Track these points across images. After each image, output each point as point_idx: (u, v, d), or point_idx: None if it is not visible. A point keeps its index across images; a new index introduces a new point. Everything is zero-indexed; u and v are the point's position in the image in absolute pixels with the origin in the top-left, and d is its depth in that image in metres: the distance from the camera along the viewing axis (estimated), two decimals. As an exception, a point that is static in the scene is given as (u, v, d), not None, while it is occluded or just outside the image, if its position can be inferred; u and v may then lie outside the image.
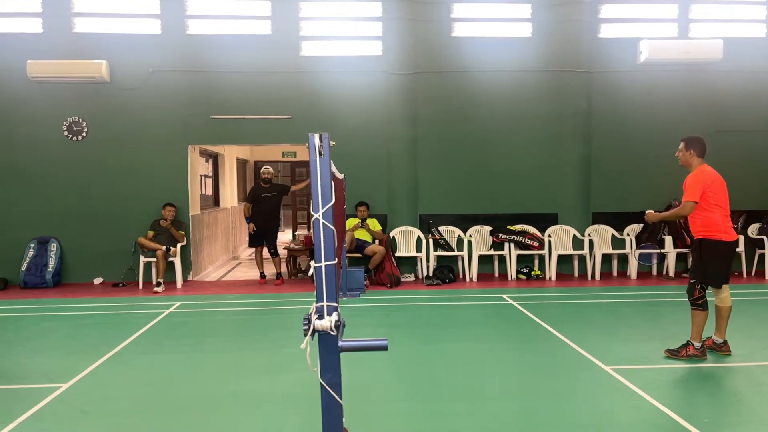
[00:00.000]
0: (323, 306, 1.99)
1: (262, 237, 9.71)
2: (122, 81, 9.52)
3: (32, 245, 9.35)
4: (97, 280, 9.60)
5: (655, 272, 9.96)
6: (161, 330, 6.61)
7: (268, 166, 10.04)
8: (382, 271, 9.20)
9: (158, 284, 8.93)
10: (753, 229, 10.02)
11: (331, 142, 2.17)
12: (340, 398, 2.05)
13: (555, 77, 9.98)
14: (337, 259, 1.99)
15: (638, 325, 6.77)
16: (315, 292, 2.18)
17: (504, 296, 8.29)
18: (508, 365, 5.29)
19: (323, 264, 1.97)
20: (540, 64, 9.96)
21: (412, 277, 9.75)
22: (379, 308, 7.73)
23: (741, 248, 9.50)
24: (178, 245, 9.35)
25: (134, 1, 9.67)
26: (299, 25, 9.85)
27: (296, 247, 10.47)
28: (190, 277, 9.84)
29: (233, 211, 13.10)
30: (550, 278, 9.62)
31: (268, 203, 9.68)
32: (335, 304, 2.01)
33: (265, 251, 9.75)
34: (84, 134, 9.54)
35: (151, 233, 9.26)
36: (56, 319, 6.18)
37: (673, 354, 5.17)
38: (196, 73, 9.66)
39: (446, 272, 9.46)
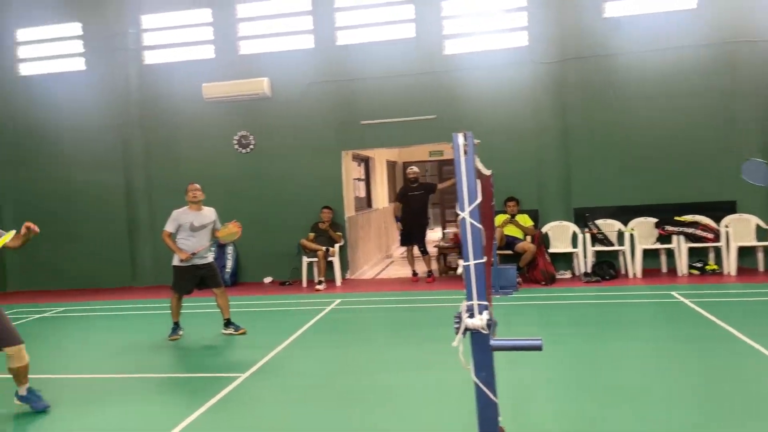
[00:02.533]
0: (473, 304, 2.00)
1: (411, 236, 9.93)
2: (282, 95, 10.31)
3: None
4: (267, 279, 10.50)
5: None
6: (324, 325, 7.06)
7: (413, 167, 10.25)
8: (535, 268, 8.93)
9: (320, 282, 9.53)
10: None
11: (475, 141, 2.18)
12: (495, 396, 2.04)
13: (726, 50, 8.95)
14: (486, 257, 1.98)
15: None
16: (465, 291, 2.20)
17: (673, 293, 7.61)
18: (680, 367, 4.86)
19: (472, 262, 1.99)
20: (706, 36, 9.00)
21: (568, 274, 9.34)
22: (534, 306, 7.52)
23: None
24: (336, 246, 9.90)
25: (291, 20, 10.43)
26: (442, 25, 9.92)
27: (446, 244, 10.55)
28: (347, 276, 10.37)
29: (385, 211, 13.56)
30: (728, 273, 8.64)
31: (416, 202, 9.86)
32: (486, 303, 2.01)
33: (416, 249, 9.96)
34: (251, 147, 10.49)
35: (311, 235, 9.92)
36: (234, 315, 6.88)
37: None
38: (347, 82, 10.15)
39: (606, 268, 8.92)
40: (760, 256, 8.78)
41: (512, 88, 9.66)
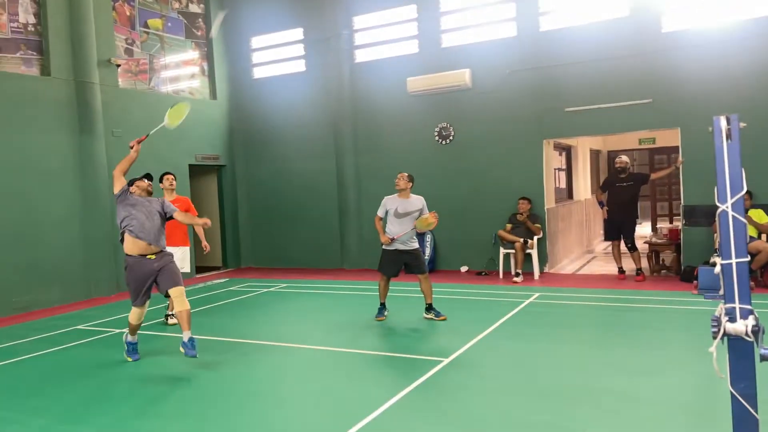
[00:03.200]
0: (734, 308, 1.79)
1: (618, 230, 9.26)
2: (482, 85, 10.30)
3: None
4: (463, 269, 10.63)
5: None
6: (523, 318, 6.94)
7: (622, 156, 9.51)
8: (772, 271, 7.75)
9: (517, 275, 9.38)
10: None
11: (741, 124, 1.93)
12: (756, 412, 1.81)
13: None
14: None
15: None
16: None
17: None
18: None
19: (734, 261, 1.78)
20: None
21: (815, 281, 7.94)
22: (771, 315, 6.52)
23: None
24: (535, 238, 9.65)
25: (493, 9, 10.35)
26: (657, 0, 9.02)
27: (659, 241, 9.65)
28: (546, 269, 10.05)
29: (587, 203, 12.85)
30: None
31: (624, 194, 9.15)
32: (750, 307, 1.79)
33: (623, 245, 9.27)
34: (451, 138, 10.67)
35: (509, 226, 9.79)
36: (434, 301, 7.10)
37: None
38: (550, 68, 9.78)
39: None
40: None
41: (746, 66, 8.45)
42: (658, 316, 6.86)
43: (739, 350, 1.76)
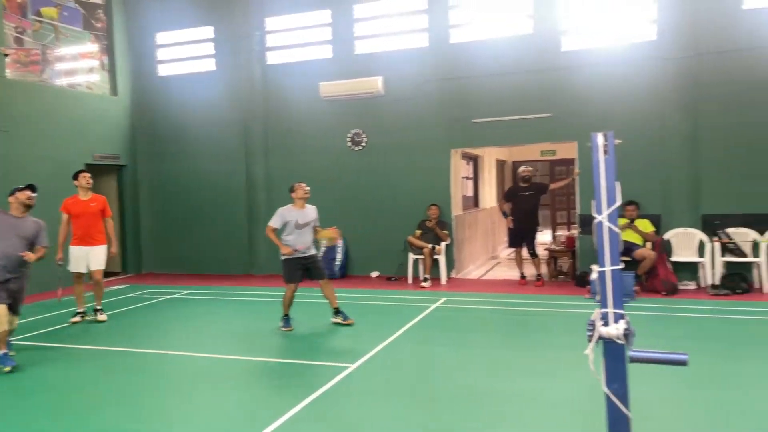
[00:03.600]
0: (608, 312, 1.91)
1: (521, 237, 9.69)
2: (395, 93, 10.44)
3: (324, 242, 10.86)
4: (374, 274, 10.70)
5: None
6: (429, 322, 7.08)
7: (526, 166, 9.97)
8: (655, 276, 8.39)
9: (425, 280, 9.57)
10: None
11: (616, 141, 2.07)
12: (628, 410, 1.94)
13: None
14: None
15: None
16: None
17: (819, 314, 6.84)
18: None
19: (608, 268, 1.89)
20: None
21: (692, 285, 8.69)
22: (653, 318, 7.06)
23: None
24: (443, 244, 9.88)
25: (406, 19, 10.53)
26: (560, 20, 9.57)
27: (557, 248, 10.19)
28: (453, 275, 10.32)
29: (492, 211, 13.34)
30: None
31: (527, 202, 9.59)
32: (622, 312, 1.91)
33: (525, 252, 9.70)
34: (364, 144, 10.73)
35: (418, 232, 9.97)
36: (343, 307, 7.08)
37: None
38: (460, 80, 10.08)
39: (738, 281, 8.19)
40: None
41: (636, 86, 9.12)
42: (555, 320, 7.22)
43: (613, 352, 1.88)
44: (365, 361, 5.47)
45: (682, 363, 1.82)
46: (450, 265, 10.24)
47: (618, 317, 1.90)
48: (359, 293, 9.09)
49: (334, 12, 10.84)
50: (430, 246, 9.69)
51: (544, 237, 14.30)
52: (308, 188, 7.06)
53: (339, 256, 10.67)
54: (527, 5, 9.75)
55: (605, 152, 1.96)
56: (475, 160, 12.63)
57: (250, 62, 11.21)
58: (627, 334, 1.90)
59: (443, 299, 8.41)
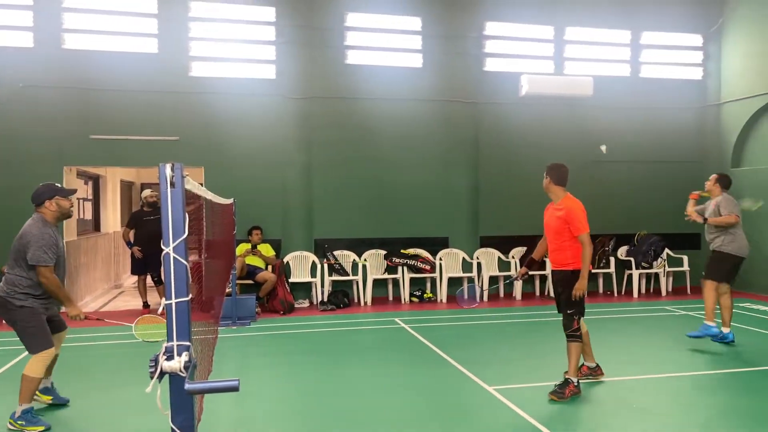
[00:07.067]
0: (173, 345, 1.88)
1: (145, 264, 9.19)
2: (-13, 95, 8.73)
3: None
4: None
5: (537, 293, 10.52)
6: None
7: (152, 190, 9.56)
8: (274, 297, 9.00)
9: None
10: (622, 252, 10.86)
11: (185, 174, 2.07)
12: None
13: (445, 107, 10.38)
14: (221, 288, 1.89)
15: (520, 345, 7.08)
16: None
17: (396, 320, 8.37)
18: (398, 390, 5.31)
19: (174, 301, 1.87)
20: (430, 93, 10.32)
21: (306, 303, 9.63)
22: (272, 336, 7.53)
23: (612, 269, 10.40)
24: (50, 274, 8.60)
25: (5, 13, 8.95)
26: (188, 45, 9.57)
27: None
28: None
29: (116, 236, 12.32)
30: (441, 300, 9.87)
31: (152, 228, 9.13)
32: (187, 343, 1.91)
33: (149, 279, 9.23)
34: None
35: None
36: None
37: (558, 397, 4.89)
38: (75, 90, 9.07)
39: (341, 297, 9.43)
40: (465, 285, 10.22)
41: (261, 118, 9.74)
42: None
43: (177, 386, 1.86)
44: None
45: (234, 389, 1.92)
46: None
47: (182, 349, 1.90)
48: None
49: None
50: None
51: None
52: None
53: None
54: (151, 24, 9.43)
55: (172, 185, 1.95)
56: (96, 180, 11.48)
57: None
58: (188, 366, 1.91)
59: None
